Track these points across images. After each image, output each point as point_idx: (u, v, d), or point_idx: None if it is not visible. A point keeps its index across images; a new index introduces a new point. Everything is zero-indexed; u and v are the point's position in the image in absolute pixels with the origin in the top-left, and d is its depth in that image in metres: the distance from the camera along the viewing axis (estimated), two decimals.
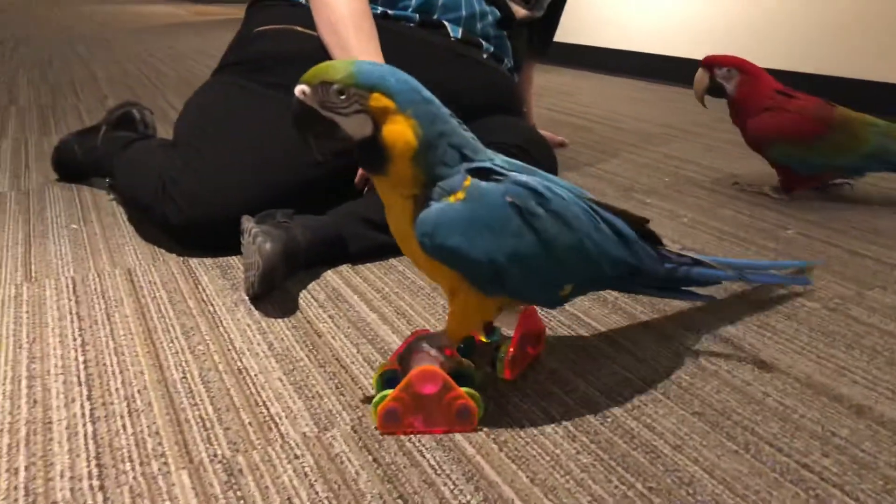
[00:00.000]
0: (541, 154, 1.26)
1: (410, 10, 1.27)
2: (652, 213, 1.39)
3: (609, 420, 0.75)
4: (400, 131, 0.65)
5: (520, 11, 1.41)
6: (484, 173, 0.69)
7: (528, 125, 1.35)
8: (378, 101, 0.65)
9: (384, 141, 0.65)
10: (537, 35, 1.65)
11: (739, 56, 1.44)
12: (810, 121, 1.37)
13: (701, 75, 1.45)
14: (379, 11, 1.24)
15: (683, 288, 0.87)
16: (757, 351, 0.88)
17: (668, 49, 3.00)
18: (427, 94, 0.68)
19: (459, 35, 1.28)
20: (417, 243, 0.69)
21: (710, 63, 1.44)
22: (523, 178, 0.71)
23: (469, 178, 0.68)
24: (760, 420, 0.75)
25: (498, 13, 1.33)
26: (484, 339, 0.83)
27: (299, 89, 0.66)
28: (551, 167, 1.29)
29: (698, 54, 2.73)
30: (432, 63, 1.25)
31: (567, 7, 1.71)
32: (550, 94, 2.70)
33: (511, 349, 0.78)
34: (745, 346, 0.90)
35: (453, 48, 1.27)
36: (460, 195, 0.67)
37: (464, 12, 1.29)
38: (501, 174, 0.70)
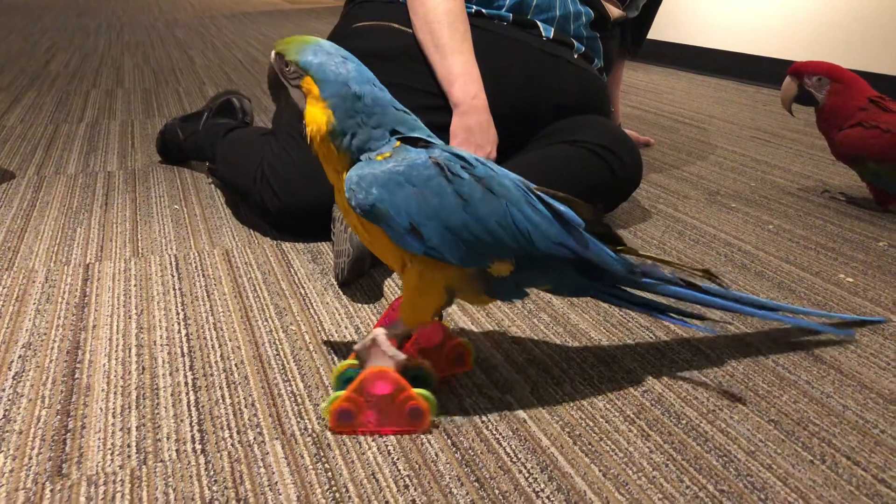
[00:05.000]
0: (626, 154, 1.27)
1: (504, 9, 1.29)
2: (737, 218, 1.38)
3: (683, 422, 0.76)
4: (314, 114, 0.72)
5: (614, 12, 1.41)
6: (414, 141, 0.73)
7: (614, 125, 1.36)
8: (308, 83, 0.72)
9: (306, 118, 0.73)
10: (630, 34, 1.64)
11: (833, 61, 1.40)
12: None
13: (789, 83, 1.42)
14: (473, 10, 1.27)
15: (676, 312, 0.84)
16: (839, 364, 0.88)
17: (760, 49, 2.93)
18: (361, 89, 0.72)
19: (552, 35, 1.30)
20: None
21: (800, 71, 1.40)
22: (456, 149, 0.74)
23: (398, 142, 0.73)
24: (838, 433, 0.75)
25: (592, 14, 1.34)
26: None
27: (272, 54, 0.75)
28: (636, 167, 1.29)
29: (792, 55, 2.67)
30: (522, 62, 1.27)
31: None
32: (638, 92, 2.68)
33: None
34: (826, 357, 0.89)
35: (544, 48, 1.29)
36: (387, 154, 0.72)
37: (557, 12, 1.30)
38: (431, 143, 0.73)
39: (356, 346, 0.77)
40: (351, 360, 0.78)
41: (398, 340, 0.77)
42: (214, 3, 6.21)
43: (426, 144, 0.73)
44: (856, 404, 0.80)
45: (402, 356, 0.75)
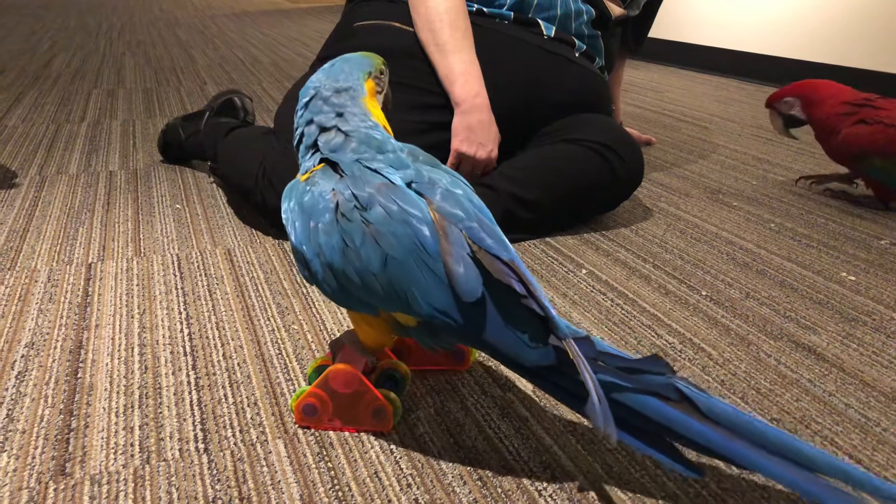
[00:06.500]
0: (627, 152, 1.27)
1: (505, 7, 1.29)
2: (738, 216, 1.38)
3: None
4: None
5: (615, 10, 1.41)
6: (333, 165, 0.71)
7: (615, 123, 1.36)
8: None
9: None
10: (631, 32, 1.64)
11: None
12: None
13: (772, 115, 1.52)
14: (474, 9, 1.27)
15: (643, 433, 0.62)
16: (841, 362, 0.88)
17: (761, 47, 2.92)
18: (305, 91, 0.76)
19: (552, 33, 1.30)
20: None
21: (771, 102, 1.50)
22: (370, 179, 0.68)
23: (321, 164, 0.72)
24: (840, 431, 0.75)
25: (593, 12, 1.34)
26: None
27: None
28: (638, 166, 1.29)
29: (793, 53, 2.67)
30: (523, 60, 1.27)
31: None
32: (639, 91, 2.67)
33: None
34: (828, 356, 0.89)
35: (545, 46, 1.29)
36: (306, 176, 0.72)
37: (558, 11, 1.30)
38: (343, 172, 0.69)
39: (331, 341, 0.77)
40: (327, 356, 0.78)
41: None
42: (215, 3, 6.21)
43: (341, 172, 0.69)
44: (858, 402, 0.80)
45: (369, 356, 0.75)
